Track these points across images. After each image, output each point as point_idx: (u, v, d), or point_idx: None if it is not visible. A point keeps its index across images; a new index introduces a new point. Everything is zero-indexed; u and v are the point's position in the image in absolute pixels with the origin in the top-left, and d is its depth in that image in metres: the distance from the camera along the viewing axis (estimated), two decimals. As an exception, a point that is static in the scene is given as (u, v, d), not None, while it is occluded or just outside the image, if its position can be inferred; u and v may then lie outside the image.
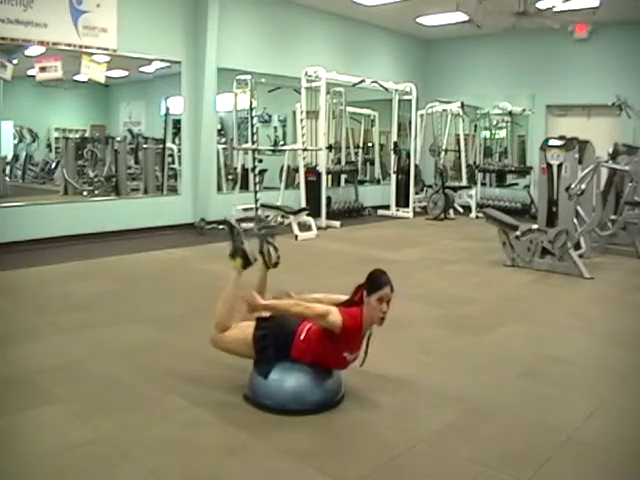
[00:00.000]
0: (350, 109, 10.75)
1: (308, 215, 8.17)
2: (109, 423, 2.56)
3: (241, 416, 2.65)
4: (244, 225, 3.07)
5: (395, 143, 10.28)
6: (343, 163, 10.65)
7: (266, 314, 2.88)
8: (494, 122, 11.81)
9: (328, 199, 9.20)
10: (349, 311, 2.66)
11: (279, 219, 8.18)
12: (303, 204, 8.50)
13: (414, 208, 10.50)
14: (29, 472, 2.20)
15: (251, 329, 2.80)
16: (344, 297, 2.84)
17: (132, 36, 7.25)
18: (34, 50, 6.61)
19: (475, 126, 11.82)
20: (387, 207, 10.56)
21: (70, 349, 3.48)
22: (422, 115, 11.21)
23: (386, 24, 10.83)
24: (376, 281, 2.67)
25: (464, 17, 9.52)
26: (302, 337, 2.73)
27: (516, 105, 11.28)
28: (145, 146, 8.80)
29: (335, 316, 2.59)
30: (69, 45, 6.67)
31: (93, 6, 6.80)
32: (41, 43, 6.45)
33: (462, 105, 10.83)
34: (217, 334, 2.88)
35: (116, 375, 3.11)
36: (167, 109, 8.88)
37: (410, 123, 10.58)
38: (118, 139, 8.91)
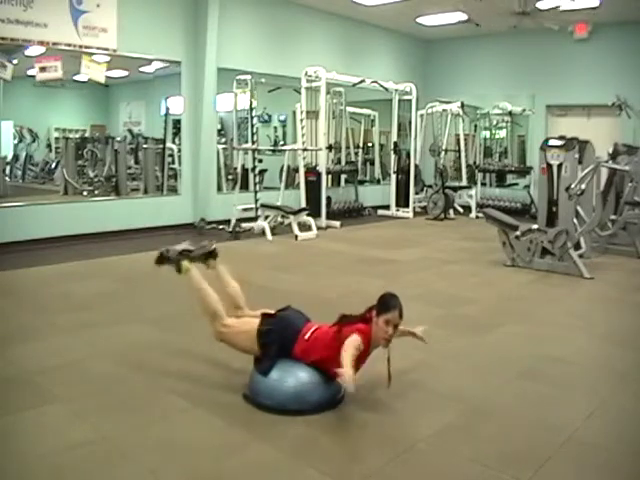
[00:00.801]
0: (350, 109, 10.75)
1: (308, 215, 8.17)
2: (109, 423, 2.56)
3: (241, 416, 2.65)
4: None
5: (395, 143, 10.28)
6: (343, 163, 10.65)
7: (271, 311, 2.91)
8: (494, 122, 11.82)
9: (328, 199, 9.21)
10: (360, 329, 2.67)
11: (279, 219, 8.18)
12: (303, 204, 8.50)
13: (414, 208, 10.50)
14: (29, 472, 2.20)
15: (255, 323, 2.82)
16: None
17: (132, 36, 7.25)
18: (34, 50, 6.61)
19: (475, 126, 11.82)
20: (387, 207, 10.56)
21: (70, 349, 3.48)
22: (422, 115, 11.21)
23: (386, 24, 10.83)
24: (386, 304, 2.71)
25: (464, 17, 9.54)
26: (307, 337, 2.74)
27: (516, 105, 11.28)
28: (145, 146, 8.80)
29: (360, 341, 2.60)
30: (69, 45, 6.67)
31: (93, 6, 6.80)
32: (41, 43, 6.45)
33: (462, 105, 10.84)
34: (218, 327, 2.90)
35: (116, 375, 3.11)
36: (167, 109, 8.88)
37: (410, 123, 10.58)
38: (118, 139, 8.91)
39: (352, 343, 2.59)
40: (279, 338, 2.76)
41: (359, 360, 2.71)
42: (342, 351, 2.57)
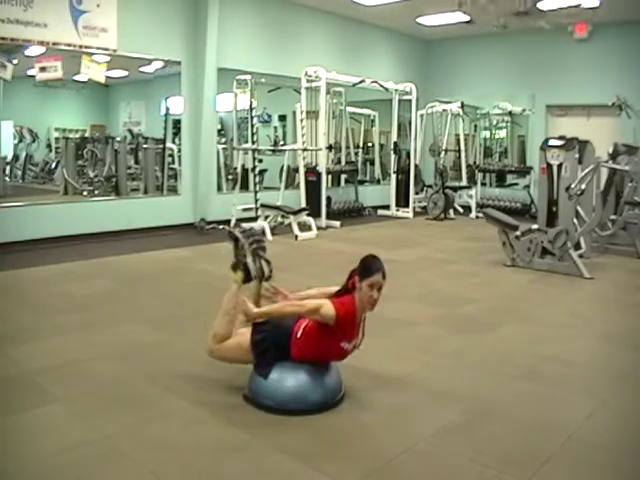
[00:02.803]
0: (350, 109, 10.75)
1: (308, 215, 8.16)
2: (109, 423, 2.56)
3: (241, 416, 2.65)
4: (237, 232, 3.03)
5: (395, 143, 10.27)
6: (343, 163, 10.64)
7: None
8: (494, 122, 11.82)
9: (328, 199, 9.20)
10: (341, 300, 2.66)
11: (279, 219, 8.18)
12: (303, 204, 8.50)
13: (414, 208, 10.50)
14: (29, 472, 2.20)
15: (247, 335, 2.79)
16: (336, 288, 2.83)
17: (132, 36, 7.25)
18: (34, 50, 6.61)
19: (475, 126, 11.82)
20: (387, 207, 10.55)
21: (70, 349, 3.48)
22: (422, 115, 11.21)
23: (386, 24, 10.83)
24: (368, 267, 2.66)
25: (464, 17, 9.53)
26: (299, 335, 2.72)
27: (516, 105, 11.28)
28: (145, 146, 8.80)
29: (328, 308, 2.59)
30: (69, 45, 6.67)
31: (93, 6, 6.80)
32: (41, 43, 6.45)
33: (462, 105, 10.84)
34: (214, 345, 2.87)
35: (116, 375, 3.11)
36: (167, 109, 8.88)
37: (410, 123, 10.58)
38: (118, 139, 8.91)
39: (309, 303, 2.62)
40: (273, 344, 2.74)
41: (350, 331, 2.69)
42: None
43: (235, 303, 2.86)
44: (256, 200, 7.94)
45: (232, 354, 2.84)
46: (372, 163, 11.94)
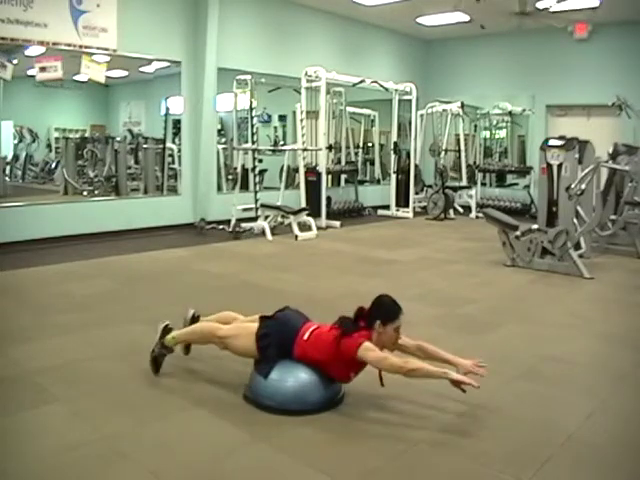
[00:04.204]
0: (350, 109, 10.75)
1: (308, 215, 8.16)
2: (109, 423, 2.56)
3: (241, 416, 2.65)
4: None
5: (395, 143, 10.28)
6: (343, 163, 10.65)
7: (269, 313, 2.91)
8: (494, 122, 11.82)
9: (328, 199, 9.20)
10: (363, 337, 2.66)
11: (279, 219, 8.18)
12: (303, 204, 8.50)
13: (414, 208, 10.50)
14: (29, 472, 2.20)
15: (254, 327, 2.82)
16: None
17: (132, 36, 7.25)
18: (34, 50, 6.61)
19: (475, 126, 11.82)
20: (387, 207, 10.56)
21: (70, 349, 3.48)
22: (422, 115, 11.21)
23: (386, 24, 10.83)
24: (392, 311, 2.74)
25: (464, 17, 9.55)
26: (305, 337, 2.74)
27: (516, 105, 11.28)
28: (145, 146, 8.80)
29: (370, 344, 2.62)
30: (69, 45, 6.67)
31: (93, 6, 6.80)
32: (41, 43, 6.45)
33: (462, 105, 10.84)
34: (216, 340, 2.92)
35: (116, 375, 3.11)
36: (167, 109, 8.89)
37: (410, 123, 10.58)
38: (118, 139, 8.91)
39: (374, 354, 2.61)
40: (277, 340, 2.75)
41: (360, 365, 2.72)
42: (381, 365, 2.62)
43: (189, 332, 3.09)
44: (256, 200, 7.94)
45: (237, 344, 2.85)
46: (372, 163, 11.94)
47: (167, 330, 3.08)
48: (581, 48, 10.18)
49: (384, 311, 2.73)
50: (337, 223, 8.94)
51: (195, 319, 3.27)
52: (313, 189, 8.75)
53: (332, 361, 2.68)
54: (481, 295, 5.01)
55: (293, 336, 2.75)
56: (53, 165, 9.47)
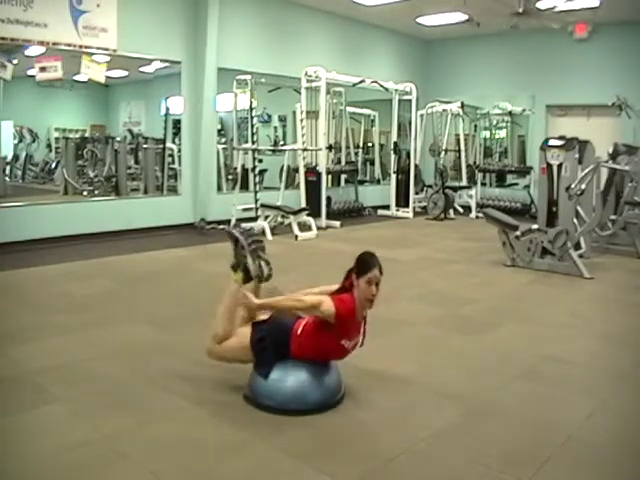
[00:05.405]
0: (350, 109, 10.75)
1: (308, 215, 8.17)
2: (109, 423, 2.56)
3: (241, 416, 2.65)
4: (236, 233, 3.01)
5: (395, 143, 10.27)
6: (343, 163, 10.64)
7: (264, 317, 2.88)
8: (494, 122, 11.81)
9: (328, 199, 9.20)
10: (341, 298, 2.66)
11: (279, 219, 8.18)
12: (303, 204, 8.50)
13: (414, 208, 10.50)
14: (29, 472, 2.20)
15: (247, 334, 2.79)
16: (336, 286, 2.83)
17: (132, 36, 7.24)
18: (34, 50, 6.61)
19: (475, 126, 11.82)
20: (387, 207, 10.55)
21: (70, 349, 3.48)
22: (422, 115, 11.21)
23: (386, 24, 10.82)
24: (364, 263, 2.68)
25: (464, 17, 9.54)
26: (299, 332, 2.73)
27: (516, 105, 11.28)
28: (145, 146, 8.80)
29: (328, 305, 2.60)
30: (69, 45, 6.67)
31: (93, 6, 6.80)
32: (41, 43, 6.45)
33: (462, 105, 10.84)
34: (214, 346, 2.87)
35: (116, 375, 3.11)
36: (167, 109, 8.88)
37: (410, 123, 10.58)
38: (118, 139, 8.91)
39: (310, 299, 2.63)
40: (273, 343, 2.73)
41: (351, 328, 2.70)
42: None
43: (234, 303, 2.86)
44: (256, 200, 7.94)
45: (232, 354, 2.84)
46: (372, 163, 11.94)
47: (247, 278, 2.93)
48: (581, 48, 10.17)
49: (358, 263, 2.70)
50: (337, 223, 8.94)
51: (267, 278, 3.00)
52: (313, 189, 8.75)
53: (325, 340, 2.67)
54: (481, 295, 5.01)
55: (288, 335, 2.74)
56: (53, 165, 9.47)
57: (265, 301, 2.82)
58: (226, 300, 2.88)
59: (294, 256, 6.73)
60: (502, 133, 12.04)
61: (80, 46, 6.77)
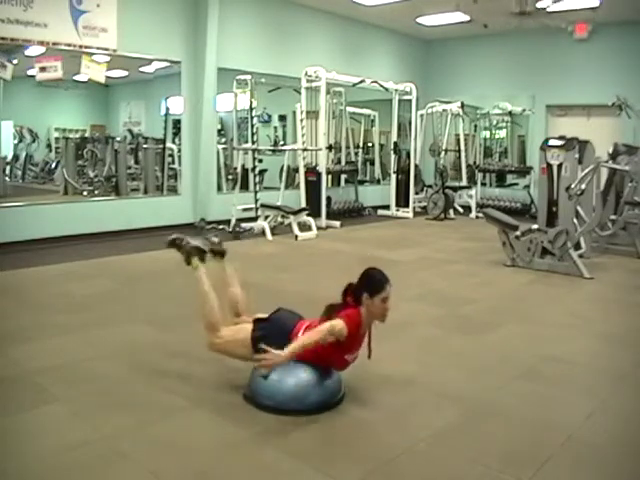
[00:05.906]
0: (350, 109, 10.75)
1: (308, 215, 8.16)
2: (109, 423, 2.56)
3: (241, 416, 2.65)
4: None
5: (395, 143, 10.27)
6: (343, 163, 10.65)
7: (265, 316, 2.90)
8: (494, 122, 11.82)
9: (328, 199, 9.20)
10: (348, 315, 2.65)
11: (279, 219, 8.18)
12: (303, 204, 8.50)
13: (414, 208, 10.50)
14: (29, 472, 2.20)
15: (248, 331, 2.81)
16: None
17: (132, 36, 7.25)
18: (34, 50, 6.61)
19: (475, 126, 11.82)
20: (387, 207, 10.55)
21: (70, 349, 3.48)
22: (422, 115, 11.21)
23: (386, 24, 10.83)
24: (378, 283, 2.69)
25: (464, 17, 9.55)
26: (300, 335, 2.73)
27: (516, 105, 11.28)
28: (145, 146, 8.80)
29: (340, 325, 2.59)
30: (69, 45, 6.67)
31: (93, 6, 6.80)
32: (41, 43, 6.45)
33: (462, 105, 10.84)
34: (212, 338, 2.89)
35: (116, 375, 3.11)
36: (167, 109, 8.88)
37: (410, 123, 10.58)
38: (118, 139, 8.91)
39: (324, 327, 2.59)
40: (274, 342, 2.73)
41: (355, 344, 2.70)
42: (309, 330, 2.61)
43: (208, 286, 2.98)
44: (256, 200, 7.94)
45: (231, 347, 2.86)
46: (372, 163, 11.94)
47: (202, 256, 3.11)
48: (581, 48, 10.18)
49: (370, 283, 2.69)
50: (337, 223, 8.94)
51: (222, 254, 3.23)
52: (313, 189, 8.75)
53: (329, 352, 2.66)
54: (481, 295, 5.01)
55: (289, 336, 2.73)
56: (53, 165, 9.47)
57: (291, 348, 2.60)
58: (200, 289, 3.00)
59: (294, 256, 6.73)
60: (502, 133, 12.04)
61: (80, 46, 6.77)
